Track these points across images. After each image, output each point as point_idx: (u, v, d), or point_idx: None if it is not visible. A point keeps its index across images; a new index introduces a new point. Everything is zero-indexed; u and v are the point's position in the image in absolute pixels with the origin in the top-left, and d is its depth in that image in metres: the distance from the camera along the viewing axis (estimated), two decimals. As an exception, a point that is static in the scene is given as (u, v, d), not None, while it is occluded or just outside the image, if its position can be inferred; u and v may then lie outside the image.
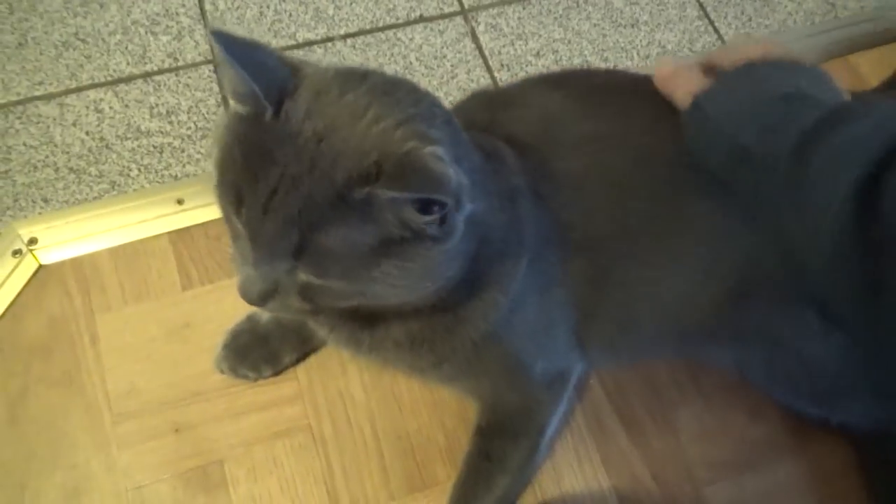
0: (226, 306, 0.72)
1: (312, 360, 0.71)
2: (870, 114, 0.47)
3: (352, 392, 0.71)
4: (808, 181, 0.46)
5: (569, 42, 0.92)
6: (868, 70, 0.93)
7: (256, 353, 0.69)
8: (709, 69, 0.59)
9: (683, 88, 0.57)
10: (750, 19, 0.96)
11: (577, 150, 0.59)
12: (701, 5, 0.97)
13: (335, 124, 0.44)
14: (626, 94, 0.64)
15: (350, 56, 0.88)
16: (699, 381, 0.74)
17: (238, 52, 0.43)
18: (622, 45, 0.93)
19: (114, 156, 0.79)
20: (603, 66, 0.91)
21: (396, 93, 0.47)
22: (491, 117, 0.63)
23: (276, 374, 0.70)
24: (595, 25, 0.94)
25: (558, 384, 0.69)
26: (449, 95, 0.87)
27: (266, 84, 0.44)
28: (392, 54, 0.89)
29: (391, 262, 0.45)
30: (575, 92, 0.66)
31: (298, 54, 0.87)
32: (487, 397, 0.68)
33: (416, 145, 0.44)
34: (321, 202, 0.43)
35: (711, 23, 0.96)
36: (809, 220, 0.47)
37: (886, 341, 0.44)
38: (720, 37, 0.95)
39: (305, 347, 0.71)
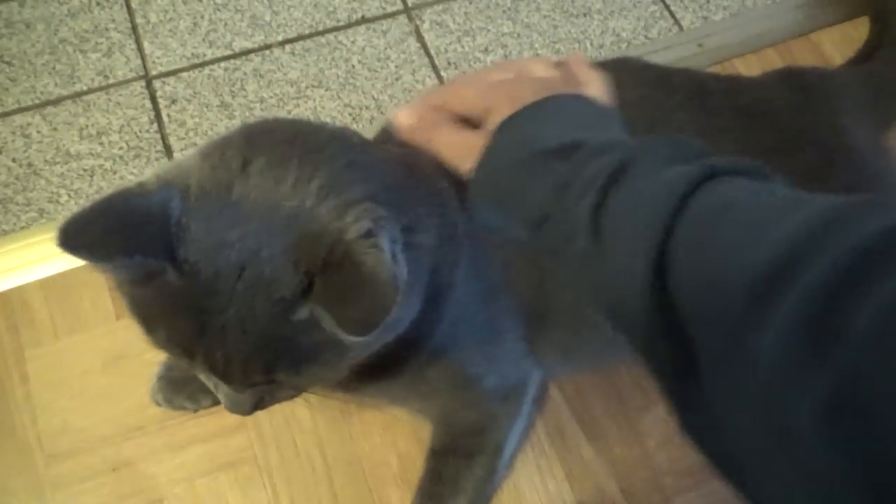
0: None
1: (256, 386, 0.68)
2: (649, 165, 0.39)
3: (299, 417, 0.67)
4: (607, 254, 0.38)
5: (518, 36, 0.89)
6: (831, 48, 0.90)
7: (194, 382, 0.65)
8: (461, 116, 0.51)
9: (456, 147, 0.49)
10: (707, 2, 0.93)
11: None
12: (655, -10, 0.93)
13: (246, 244, 0.40)
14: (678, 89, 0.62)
15: (289, 63, 0.84)
16: (665, 384, 0.71)
17: (100, 244, 0.38)
18: (575, 35, 0.89)
19: (42, 182, 0.76)
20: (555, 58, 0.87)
21: (292, 166, 0.42)
22: None
23: (217, 403, 0.67)
24: (545, 17, 0.90)
25: (514, 398, 0.66)
26: (394, 98, 0.83)
27: (152, 249, 0.39)
28: (333, 58, 0.85)
29: (361, 342, 0.43)
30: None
31: (236, 64, 0.84)
32: (439, 416, 0.65)
33: (343, 247, 0.41)
34: (274, 330, 0.41)
35: (667, 7, 0.92)
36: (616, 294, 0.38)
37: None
38: (676, 21, 0.91)
39: (246, 374, 0.68)
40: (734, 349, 0.29)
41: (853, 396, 0.23)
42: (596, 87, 0.51)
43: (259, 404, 0.47)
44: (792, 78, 0.73)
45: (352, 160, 0.45)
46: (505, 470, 0.66)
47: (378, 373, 0.56)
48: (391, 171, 0.48)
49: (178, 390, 0.65)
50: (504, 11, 0.90)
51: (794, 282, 0.26)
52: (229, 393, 0.45)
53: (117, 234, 0.39)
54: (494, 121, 0.47)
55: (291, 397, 0.49)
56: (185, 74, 0.83)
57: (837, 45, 0.89)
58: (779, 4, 0.92)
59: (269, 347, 0.41)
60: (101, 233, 0.38)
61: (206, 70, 0.83)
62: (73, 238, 0.38)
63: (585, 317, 0.61)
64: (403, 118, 0.52)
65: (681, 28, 0.91)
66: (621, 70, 0.75)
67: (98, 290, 0.71)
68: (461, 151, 0.48)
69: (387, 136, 0.60)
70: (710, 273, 0.32)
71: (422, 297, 0.50)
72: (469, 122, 0.50)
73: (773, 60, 0.88)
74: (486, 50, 0.87)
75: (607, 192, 0.38)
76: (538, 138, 0.44)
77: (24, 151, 0.77)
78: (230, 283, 0.40)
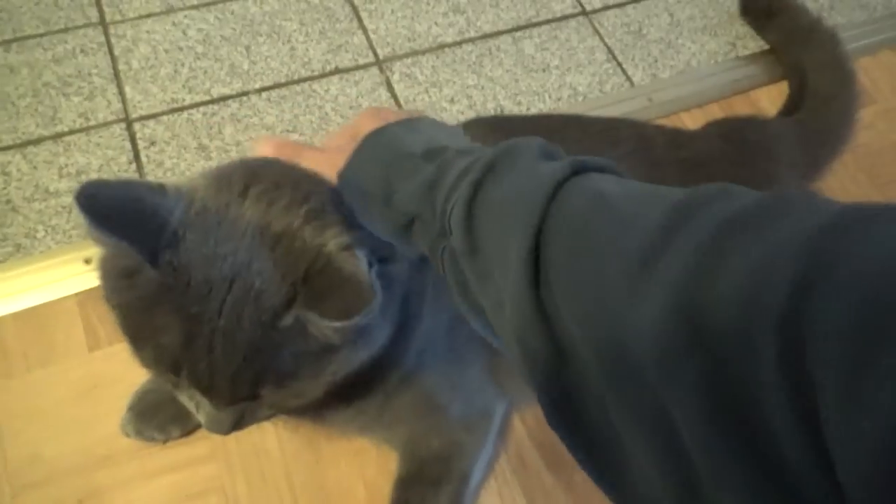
0: (135, 365, 0.70)
1: (226, 416, 0.70)
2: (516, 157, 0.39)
3: (267, 447, 0.69)
4: (480, 250, 0.38)
5: (482, 88, 0.95)
6: (768, 103, 0.98)
7: (163, 413, 0.67)
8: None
9: (320, 164, 0.50)
10: (656, 61, 1.01)
11: None
12: (609, 49, 1.01)
13: (238, 258, 0.44)
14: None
15: (266, 108, 0.89)
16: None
17: (103, 216, 0.41)
18: (534, 88, 0.96)
19: (20, 218, 0.78)
20: (516, 109, 0.93)
21: (285, 192, 0.47)
22: None
23: (187, 433, 0.68)
24: (507, 71, 0.97)
25: (479, 427, 0.68)
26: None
27: (140, 240, 0.42)
28: (308, 105, 0.90)
29: (340, 354, 0.47)
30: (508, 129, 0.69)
31: (214, 109, 0.88)
32: (405, 443, 0.67)
33: (324, 258, 0.45)
34: (261, 341, 0.43)
35: (619, 65, 1.00)
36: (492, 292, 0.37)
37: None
38: (628, 78, 0.98)
39: (216, 404, 0.69)
40: (613, 332, 0.30)
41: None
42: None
43: (238, 423, 0.48)
44: (731, 130, 0.80)
45: (336, 196, 0.49)
46: (471, 500, 0.68)
47: (348, 398, 0.58)
48: None
49: (147, 421, 0.67)
50: (469, 66, 0.96)
51: (663, 260, 0.28)
52: (210, 411, 0.47)
53: (119, 215, 0.42)
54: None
55: (269, 417, 0.51)
56: (164, 118, 0.87)
57: (774, 100, 0.97)
58: (720, 64, 1.01)
59: (255, 359, 0.44)
60: (107, 206, 0.42)
61: (185, 114, 0.87)
62: (86, 198, 0.41)
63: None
64: (263, 145, 0.53)
65: (632, 84, 0.98)
66: (571, 122, 0.81)
67: (72, 323, 0.73)
68: (328, 166, 0.49)
69: None
70: (586, 264, 0.32)
71: (393, 324, 0.53)
72: None
73: (716, 114, 0.95)
74: (452, 100, 0.93)
75: (478, 188, 0.38)
76: (405, 143, 0.44)
77: (4, 188, 0.79)
78: (221, 294, 0.43)
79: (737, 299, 0.25)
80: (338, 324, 0.43)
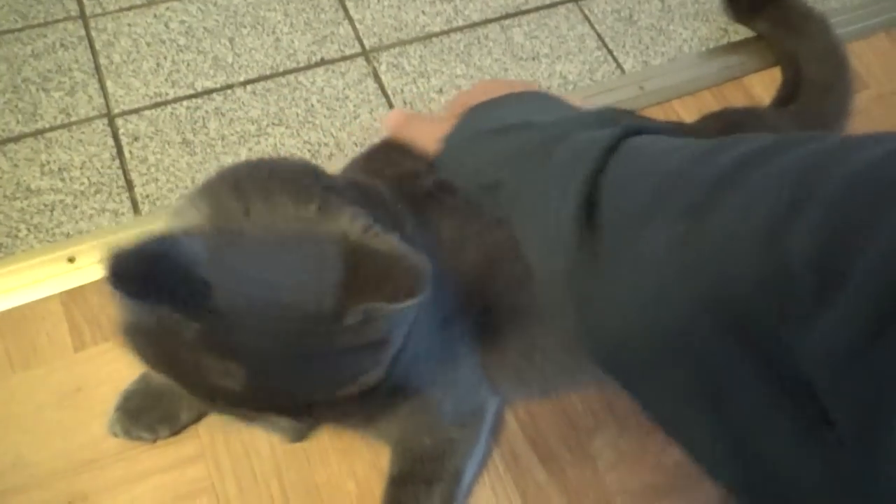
0: (121, 366, 0.69)
1: (215, 416, 0.69)
2: (585, 124, 0.49)
3: (257, 446, 0.68)
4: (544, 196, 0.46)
5: (471, 77, 0.93)
6: (761, 91, 0.96)
7: (152, 413, 0.66)
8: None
9: (425, 134, 0.59)
10: (647, 48, 0.99)
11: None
12: (599, 36, 0.99)
13: (273, 279, 0.42)
14: None
15: (251, 102, 0.87)
16: (614, 407, 0.73)
17: (148, 282, 0.39)
18: (524, 77, 0.94)
19: (1, 217, 0.76)
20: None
21: (282, 195, 0.45)
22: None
23: (175, 433, 0.67)
24: (496, 60, 0.95)
25: (472, 424, 0.67)
26: (353, 136, 0.86)
27: (180, 300, 0.40)
28: (294, 98, 0.88)
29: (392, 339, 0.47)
30: None
31: (198, 103, 0.86)
32: (398, 442, 0.66)
33: (352, 246, 0.44)
34: (321, 349, 0.43)
35: (610, 52, 0.98)
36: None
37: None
38: (619, 65, 0.97)
39: (203, 404, 0.68)
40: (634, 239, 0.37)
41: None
42: None
43: (312, 428, 0.48)
44: (729, 125, 0.79)
45: (327, 185, 0.48)
46: (464, 497, 0.67)
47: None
48: (356, 193, 0.51)
49: (136, 421, 0.66)
50: (457, 55, 0.95)
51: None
52: (275, 425, 0.46)
53: (151, 281, 0.39)
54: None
55: (337, 419, 0.52)
56: (147, 113, 0.85)
57: (767, 87, 0.96)
58: (712, 51, 0.99)
59: (319, 369, 0.43)
60: (137, 275, 0.39)
61: (169, 108, 0.86)
62: (117, 275, 0.38)
63: (534, 343, 0.64)
64: (395, 116, 0.63)
65: (623, 71, 0.97)
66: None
67: (56, 323, 0.71)
68: (431, 137, 0.57)
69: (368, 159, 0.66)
70: (628, 183, 0.40)
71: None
72: None
73: (708, 102, 0.94)
74: (441, 91, 0.92)
75: (550, 152, 0.45)
76: (498, 118, 0.53)
77: (-16, 187, 0.78)
78: (268, 321, 0.42)
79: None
80: (409, 301, 0.42)
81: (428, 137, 0.58)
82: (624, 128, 0.44)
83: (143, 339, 0.43)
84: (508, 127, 0.52)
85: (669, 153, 0.40)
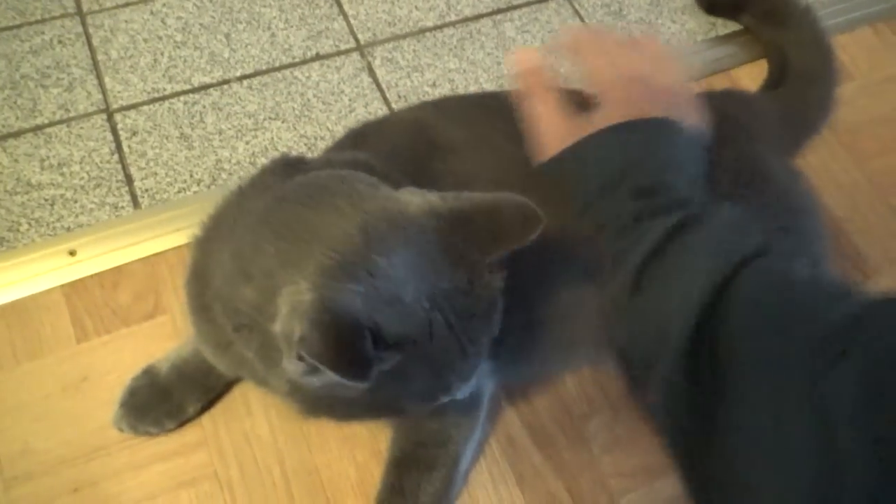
0: (124, 356, 0.71)
1: (216, 404, 0.70)
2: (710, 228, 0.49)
3: (258, 432, 0.69)
4: (651, 301, 0.47)
5: (464, 71, 0.95)
6: (749, 83, 0.98)
7: (158, 407, 0.67)
8: (574, 92, 0.61)
9: (545, 118, 0.57)
10: (637, 41, 1.01)
11: (453, 152, 0.62)
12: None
13: (411, 280, 0.44)
14: (493, 107, 0.67)
15: (247, 96, 0.88)
16: (607, 391, 0.75)
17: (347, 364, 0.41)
18: (517, 71, 0.96)
19: (2, 211, 0.77)
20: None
21: (337, 196, 0.47)
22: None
23: (181, 425, 0.68)
24: (489, 54, 0.97)
25: (473, 407, 0.69)
26: (348, 129, 0.87)
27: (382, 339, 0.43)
28: (290, 92, 0.90)
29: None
30: (450, 105, 0.72)
31: (195, 98, 0.88)
32: (399, 426, 0.67)
33: (447, 210, 0.47)
34: (483, 311, 0.48)
35: (601, 46, 1.00)
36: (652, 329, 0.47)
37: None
38: (610, 58, 0.98)
39: (210, 395, 0.69)
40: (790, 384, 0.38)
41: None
42: (693, 113, 0.59)
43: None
44: (718, 115, 0.80)
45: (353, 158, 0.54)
46: (462, 481, 0.68)
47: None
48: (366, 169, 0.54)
49: (142, 416, 0.66)
50: (450, 49, 0.96)
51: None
52: (456, 382, 0.50)
53: (356, 354, 0.42)
54: (600, 119, 0.54)
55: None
56: (145, 108, 0.86)
57: (755, 79, 0.98)
58: (699, 44, 1.01)
59: (486, 327, 0.49)
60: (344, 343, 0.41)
61: (167, 104, 0.87)
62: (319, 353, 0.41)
63: (532, 318, 0.65)
64: (525, 58, 0.61)
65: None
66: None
67: (59, 315, 0.73)
68: (555, 135, 0.55)
69: (348, 141, 0.69)
70: (772, 324, 0.41)
71: None
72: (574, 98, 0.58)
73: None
74: (434, 84, 0.93)
75: (665, 245, 0.47)
76: (627, 162, 0.52)
77: (-16, 182, 0.79)
78: (439, 322, 0.45)
79: None
80: (537, 230, 0.46)
81: (553, 134, 0.56)
82: (762, 243, 0.47)
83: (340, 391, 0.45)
84: (637, 188, 0.51)
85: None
